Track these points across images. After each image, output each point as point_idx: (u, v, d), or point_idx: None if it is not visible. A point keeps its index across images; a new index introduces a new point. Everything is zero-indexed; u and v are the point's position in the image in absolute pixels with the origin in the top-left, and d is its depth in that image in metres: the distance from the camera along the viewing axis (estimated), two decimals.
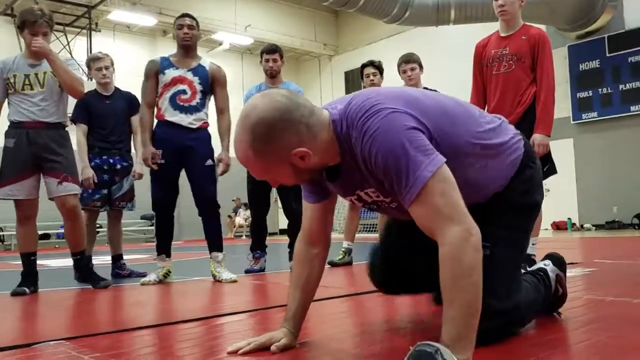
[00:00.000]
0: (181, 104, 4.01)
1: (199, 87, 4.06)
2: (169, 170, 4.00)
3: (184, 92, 4.02)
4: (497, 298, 1.59)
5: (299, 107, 1.47)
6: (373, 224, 9.67)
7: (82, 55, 14.25)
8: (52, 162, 3.66)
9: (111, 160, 4.53)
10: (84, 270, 3.92)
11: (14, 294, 3.54)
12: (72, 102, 4.47)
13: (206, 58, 4.29)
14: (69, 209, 3.70)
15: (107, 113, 4.55)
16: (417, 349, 1.17)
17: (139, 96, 4.76)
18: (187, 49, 4.10)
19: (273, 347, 1.68)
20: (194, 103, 4.04)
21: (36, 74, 3.69)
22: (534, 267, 2.15)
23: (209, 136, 4.14)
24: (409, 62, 4.77)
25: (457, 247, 1.36)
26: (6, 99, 3.71)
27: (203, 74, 4.10)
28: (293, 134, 1.44)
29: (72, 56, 13.10)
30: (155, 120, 4.08)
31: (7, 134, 3.68)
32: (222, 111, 4.18)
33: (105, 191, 4.51)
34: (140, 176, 4.63)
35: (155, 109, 4.08)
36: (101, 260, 4.61)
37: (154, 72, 4.06)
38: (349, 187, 1.66)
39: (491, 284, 1.47)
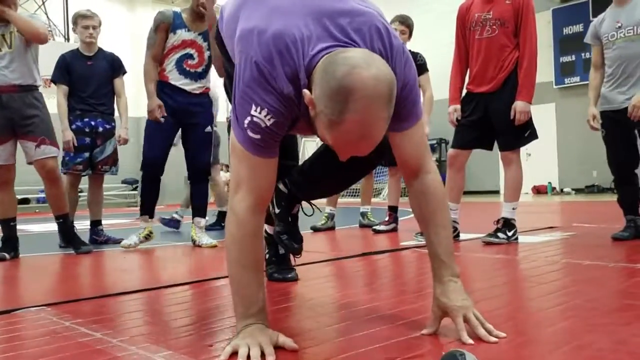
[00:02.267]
0: (187, 69, 3.93)
1: (206, 54, 3.97)
2: (166, 132, 3.94)
3: (191, 57, 3.93)
4: None
5: None
6: (356, 189, 9.71)
7: (58, 15, 13.92)
8: (27, 126, 3.60)
9: (93, 123, 4.44)
10: (67, 233, 3.92)
11: None
12: (52, 63, 4.40)
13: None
14: (48, 171, 3.68)
15: (88, 74, 4.44)
16: (445, 354, 1.19)
17: (121, 57, 4.67)
18: (199, 15, 3.95)
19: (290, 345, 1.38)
20: (200, 70, 3.98)
21: (2, 35, 3.60)
22: None
23: (210, 102, 4.11)
24: (402, 24, 4.59)
25: (438, 175, 1.59)
26: None
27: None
28: None
29: (47, 16, 12.78)
30: (159, 81, 3.95)
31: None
32: None
33: (87, 154, 4.42)
34: (126, 141, 4.55)
35: (159, 67, 3.96)
36: (80, 225, 4.57)
37: (165, 26, 3.90)
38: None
39: None
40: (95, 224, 4.57)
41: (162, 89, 3.94)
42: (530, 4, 3.51)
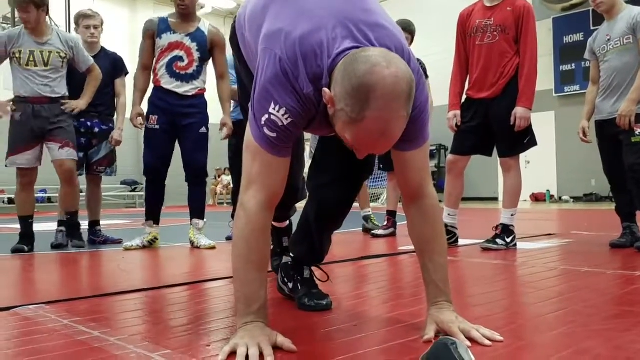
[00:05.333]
0: (178, 71, 3.96)
1: (196, 55, 3.99)
2: (163, 137, 3.98)
3: (180, 59, 3.96)
4: None
5: None
6: None
7: (60, 14, 13.94)
8: (54, 130, 3.90)
9: (89, 124, 4.41)
10: (71, 228, 4.12)
11: (14, 250, 3.82)
12: None
13: (206, 20, 4.19)
14: (65, 170, 3.93)
15: None
16: (436, 342, 1.20)
17: (124, 57, 4.68)
18: (184, 15, 4.01)
19: (288, 347, 1.37)
20: (190, 71, 3.99)
21: (41, 52, 3.90)
22: None
23: (205, 103, 4.11)
24: (405, 31, 4.59)
25: (437, 201, 1.60)
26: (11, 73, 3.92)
27: (201, 40, 4.02)
28: None
29: (49, 17, 12.78)
30: (152, 85, 4.03)
31: (14, 109, 3.91)
32: (222, 76, 4.12)
33: (81, 155, 4.38)
34: (118, 143, 4.47)
35: (152, 73, 4.03)
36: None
37: (151, 33, 3.99)
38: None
39: None
40: (94, 224, 4.54)
41: (156, 93, 4.01)
42: (531, 11, 3.52)
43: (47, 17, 4.02)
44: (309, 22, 1.40)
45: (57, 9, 14.18)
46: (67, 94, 4.03)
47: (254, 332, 1.36)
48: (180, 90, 3.96)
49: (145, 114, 4.02)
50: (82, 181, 4.64)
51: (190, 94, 3.99)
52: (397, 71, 1.25)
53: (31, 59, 3.87)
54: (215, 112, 4.07)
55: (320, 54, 1.36)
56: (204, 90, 4.10)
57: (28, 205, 4.01)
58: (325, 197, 1.88)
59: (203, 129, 4.03)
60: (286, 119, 1.38)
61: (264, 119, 1.39)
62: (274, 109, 1.37)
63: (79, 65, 4.05)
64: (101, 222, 4.62)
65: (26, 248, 3.85)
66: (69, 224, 4.15)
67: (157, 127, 3.94)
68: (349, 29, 1.40)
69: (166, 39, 3.95)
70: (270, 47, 1.40)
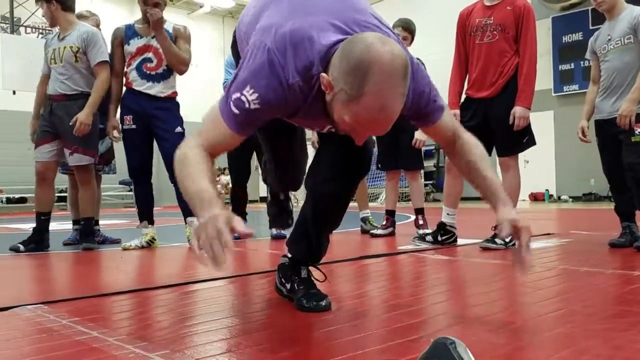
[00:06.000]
0: (148, 72, 4.01)
1: (164, 54, 4.01)
2: (140, 137, 4.02)
3: (149, 60, 4.01)
4: None
5: None
6: None
7: None
8: (68, 132, 3.88)
9: None
10: (84, 234, 4.05)
11: (11, 249, 3.83)
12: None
13: (171, 21, 4.16)
14: (78, 176, 4.00)
15: None
16: (435, 342, 1.19)
17: None
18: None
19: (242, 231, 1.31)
20: (160, 71, 4.04)
21: (59, 49, 3.96)
22: None
23: (177, 105, 4.15)
24: (405, 30, 4.57)
25: (472, 136, 1.74)
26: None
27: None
28: None
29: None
30: (125, 88, 4.09)
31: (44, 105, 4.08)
32: (185, 62, 4.08)
33: None
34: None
35: (124, 78, 4.09)
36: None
37: (118, 41, 4.06)
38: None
39: None
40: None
41: (128, 95, 4.06)
42: (531, 11, 3.52)
43: (69, 13, 4.03)
44: (300, 19, 1.47)
45: None
46: (87, 89, 3.95)
47: (212, 218, 1.29)
48: (152, 92, 4.01)
49: (120, 119, 4.07)
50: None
51: (161, 95, 4.03)
52: (393, 49, 1.33)
53: (52, 57, 3.96)
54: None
55: (310, 47, 1.42)
56: (175, 93, 4.14)
57: (43, 201, 4.00)
58: (322, 193, 1.89)
59: (179, 129, 4.05)
60: (254, 104, 1.44)
61: (234, 96, 1.46)
62: (247, 91, 1.44)
63: (90, 59, 3.96)
64: (100, 222, 4.62)
65: (21, 247, 3.82)
66: (82, 231, 4.09)
67: (133, 126, 3.99)
68: (340, 26, 1.46)
69: (134, 44, 4.01)
70: (261, 39, 1.47)
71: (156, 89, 4.01)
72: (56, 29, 4.12)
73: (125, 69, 4.08)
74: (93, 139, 4.00)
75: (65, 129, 3.89)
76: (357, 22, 1.49)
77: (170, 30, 4.08)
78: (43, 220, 3.97)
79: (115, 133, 4.11)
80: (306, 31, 1.44)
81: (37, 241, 3.91)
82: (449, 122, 1.70)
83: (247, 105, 1.44)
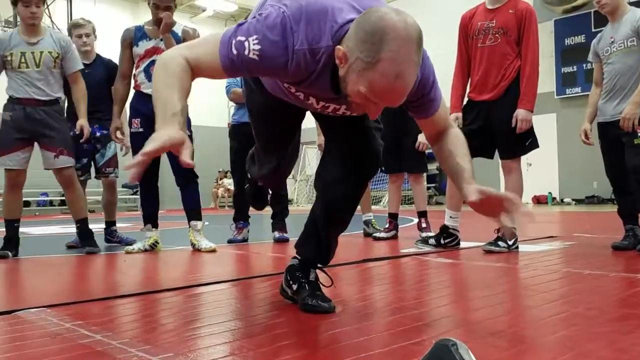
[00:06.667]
0: None
1: None
2: (147, 141, 3.97)
3: None
4: None
5: None
6: None
7: (62, 20, 13.97)
8: (49, 137, 3.84)
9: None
10: (83, 236, 4.08)
11: None
12: None
13: (181, 23, 4.18)
14: (64, 177, 3.95)
15: (85, 82, 4.46)
16: (437, 343, 1.19)
17: None
18: (161, 21, 4.01)
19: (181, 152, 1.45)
20: None
21: (32, 53, 3.83)
22: None
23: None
24: None
25: (458, 129, 1.82)
26: (3, 72, 3.88)
27: (177, 42, 4.03)
28: None
29: (52, 21, 12.82)
30: (133, 91, 4.09)
31: (5, 107, 3.85)
32: None
33: (85, 160, 4.51)
34: (128, 149, 4.43)
35: (133, 80, 4.09)
36: (94, 227, 4.57)
37: (127, 43, 4.06)
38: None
39: None
40: (109, 224, 4.70)
41: (137, 98, 4.06)
42: (533, 14, 3.53)
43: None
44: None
45: (60, 14, 14.26)
46: (63, 96, 4.00)
47: (160, 136, 1.43)
48: None
49: (128, 122, 4.08)
50: (89, 185, 4.73)
51: None
52: (407, 19, 1.36)
53: (22, 60, 3.81)
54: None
55: (324, 20, 1.46)
56: None
57: (14, 207, 3.93)
58: (333, 193, 1.91)
59: (186, 132, 4.03)
60: (254, 53, 1.45)
61: (239, 37, 1.47)
62: (253, 39, 1.45)
63: (66, 67, 3.96)
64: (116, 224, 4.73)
65: (10, 254, 3.75)
66: (80, 233, 4.10)
67: (141, 130, 3.98)
68: (357, 8, 1.49)
69: (142, 46, 4.02)
70: (279, 5, 1.49)
71: None
72: (14, 31, 3.97)
73: (133, 71, 4.07)
74: (70, 142, 4.00)
75: (51, 132, 3.84)
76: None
77: (180, 33, 4.08)
78: (16, 227, 3.91)
79: (119, 134, 4.11)
80: (324, 5, 1.46)
81: (11, 248, 3.81)
82: (444, 117, 1.75)
83: (246, 52, 1.45)
